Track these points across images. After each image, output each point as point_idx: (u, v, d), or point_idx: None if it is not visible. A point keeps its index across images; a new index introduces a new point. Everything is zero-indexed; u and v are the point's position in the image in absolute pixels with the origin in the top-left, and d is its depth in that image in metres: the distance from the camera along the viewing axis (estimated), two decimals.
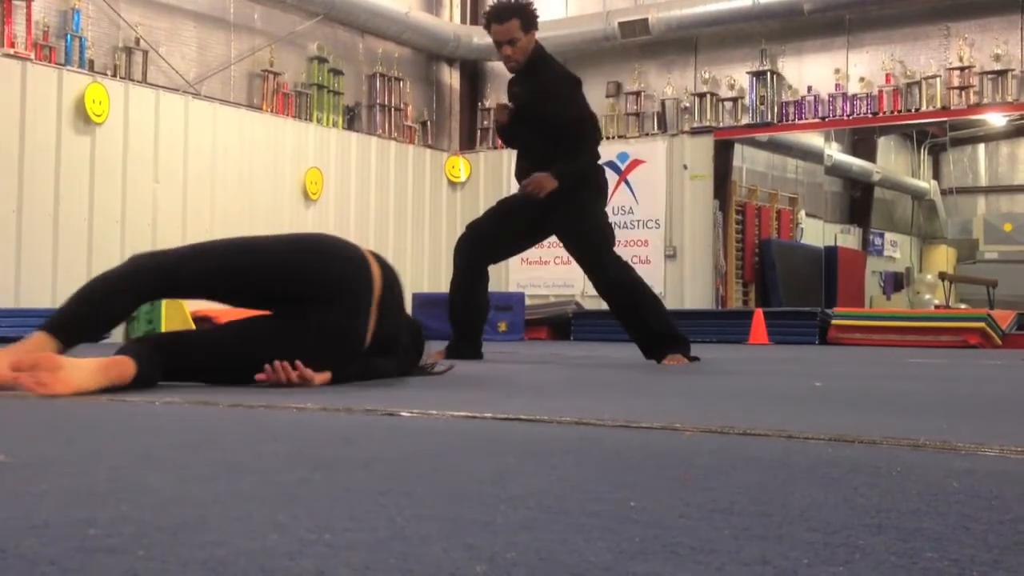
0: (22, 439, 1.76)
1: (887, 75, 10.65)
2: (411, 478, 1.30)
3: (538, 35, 5.17)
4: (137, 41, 9.43)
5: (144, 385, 2.74)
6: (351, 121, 11.59)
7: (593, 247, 5.00)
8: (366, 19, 11.45)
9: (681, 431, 1.84)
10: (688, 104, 11.59)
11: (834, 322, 9.36)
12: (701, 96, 11.48)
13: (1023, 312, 9.48)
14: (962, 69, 10.29)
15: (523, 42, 5.03)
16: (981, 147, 13.25)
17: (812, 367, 5.06)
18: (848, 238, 13.23)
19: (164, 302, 7.25)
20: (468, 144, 12.99)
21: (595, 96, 11.37)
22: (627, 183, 11.68)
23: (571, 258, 5.20)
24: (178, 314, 7.61)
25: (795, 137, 11.99)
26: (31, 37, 8.55)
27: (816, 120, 11.05)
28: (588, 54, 11.96)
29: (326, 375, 3.01)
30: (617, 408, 2.48)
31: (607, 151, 10.86)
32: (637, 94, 11.88)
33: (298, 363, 2.89)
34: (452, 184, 12.62)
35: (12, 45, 8.36)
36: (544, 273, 11.77)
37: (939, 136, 12.94)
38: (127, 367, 2.67)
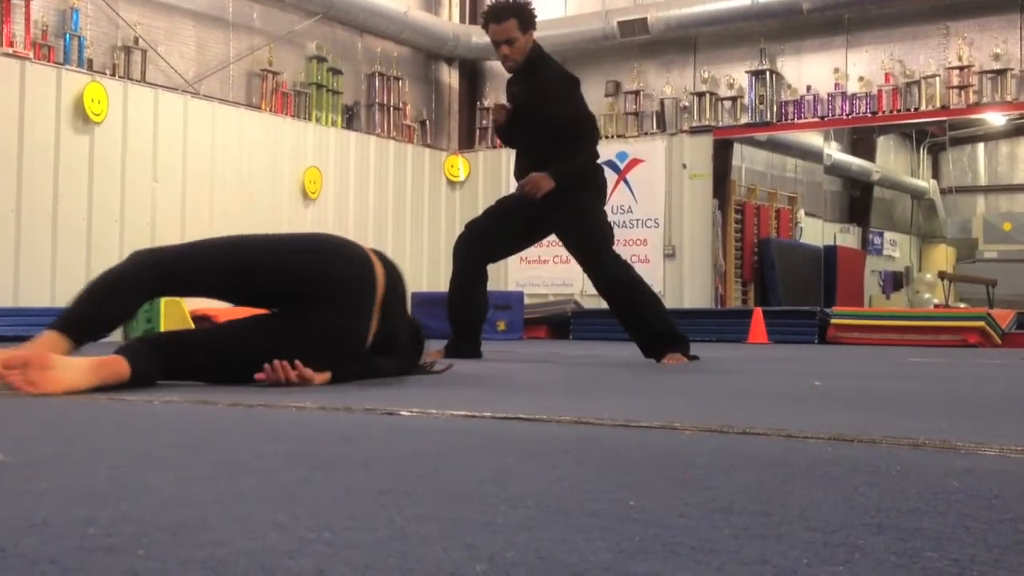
0: (22, 439, 1.76)
1: (886, 74, 10.65)
2: (411, 478, 1.30)
3: (537, 34, 5.17)
4: (136, 40, 9.43)
5: (142, 384, 2.73)
6: (350, 120, 11.59)
7: (592, 246, 5.00)
8: (365, 18, 11.45)
9: (680, 430, 1.84)
10: (687, 103, 11.59)
11: (833, 321, 9.36)
12: (700, 95, 11.48)
13: (1022, 311, 9.48)
14: (961, 68, 10.29)
15: (521, 42, 5.03)
16: (980, 146, 13.25)
17: (811, 366, 5.06)
18: (847, 237, 13.22)
19: (163, 301, 7.25)
20: (467, 143, 12.98)
21: (594, 95, 11.39)
22: (626, 182, 11.67)
23: (570, 257, 5.20)
24: (177, 313, 7.60)
25: (794, 136, 11.98)
26: (30, 36, 8.54)
27: (815, 119, 11.05)
28: (587, 53, 11.96)
29: (326, 375, 3.00)
30: (616, 407, 2.48)
31: (606, 150, 10.85)
32: (636, 93, 11.88)
33: (297, 363, 2.89)
34: (451, 183, 12.62)
35: (11, 44, 8.35)
36: (543, 272, 11.77)
37: (938, 135, 12.94)
38: (120, 366, 2.67)
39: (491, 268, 5.35)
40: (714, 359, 5.28)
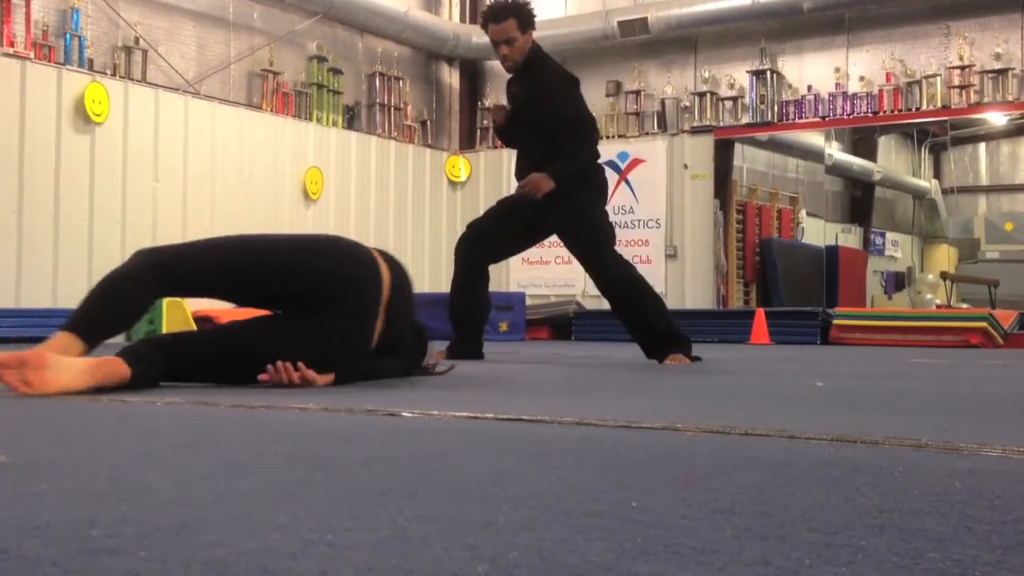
0: (22, 439, 1.76)
1: (887, 74, 10.65)
2: (412, 478, 1.30)
3: (537, 34, 5.17)
4: (136, 40, 9.43)
5: (143, 386, 2.73)
6: (351, 120, 11.59)
7: (593, 246, 5.00)
8: (365, 18, 11.45)
9: (682, 431, 1.84)
10: (688, 103, 11.59)
11: (835, 322, 9.36)
12: (701, 95, 11.48)
13: None
14: (962, 68, 10.28)
15: (520, 42, 5.03)
16: (982, 146, 13.25)
17: (813, 367, 5.06)
18: (849, 237, 13.22)
19: (165, 302, 7.25)
20: (468, 143, 12.98)
21: (595, 95, 11.40)
22: (627, 183, 11.67)
23: (572, 258, 5.20)
24: (179, 314, 7.61)
25: (795, 136, 11.98)
26: (30, 36, 8.54)
27: (816, 119, 11.05)
28: (587, 53, 11.96)
29: (329, 377, 3.00)
30: (618, 408, 2.47)
31: (607, 151, 10.86)
32: (637, 93, 11.88)
33: (300, 364, 2.88)
34: (452, 184, 12.62)
35: (11, 44, 8.35)
36: (545, 273, 11.77)
37: (940, 135, 12.94)
38: (118, 367, 2.66)
39: (493, 269, 5.34)
40: (716, 360, 5.27)
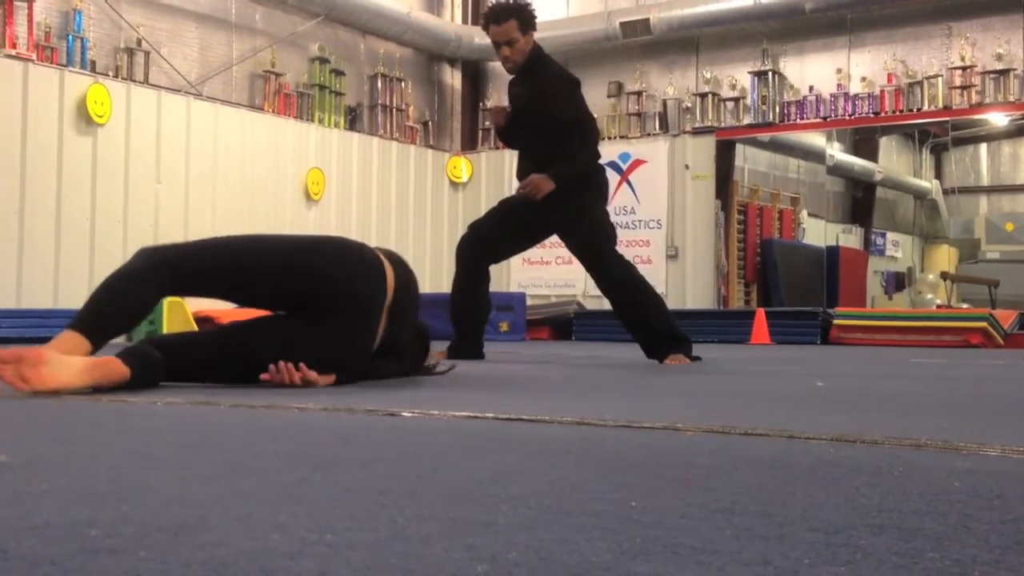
0: (22, 439, 1.76)
1: (889, 75, 10.64)
2: (412, 478, 1.30)
3: (539, 35, 5.17)
4: (139, 42, 9.44)
5: (142, 386, 2.73)
6: (352, 121, 11.59)
7: (594, 246, 5.00)
8: (367, 19, 11.45)
9: (682, 431, 1.84)
10: (690, 104, 11.59)
11: (836, 322, 9.35)
12: (703, 96, 11.48)
13: None
14: (964, 69, 10.28)
15: (521, 43, 5.03)
16: (983, 147, 13.25)
17: (814, 367, 5.05)
18: (850, 238, 13.22)
19: (165, 302, 7.25)
20: (470, 144, 12.99)
21: (597, 96, 11.40)
22: (629, 183, 11.67)
23: (573, 258, 5.20)
24: (179, 314, 7.61)
25: (797, 137, 11.98)
26: (33, 38, 8.55)
27: (818, 120, 11.05)
28: (589, 54, 11.96)
29: (330, 378, 3.00)
30: (618, 408, 2.47)
31: (609, 151, 10.88)
32: (639, 94, 11.88)
33: (301, 365, 2.88)
34: (454, 184, 12.62)
35: (14, 46, 8.36)
36: (545, 273, 11.77)
37: (941, 136, 12.93)
38: (117, 367, 2.66)
39: (493, 269, 5.35)
40: (716, 360, 5.27)
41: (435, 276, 11.77)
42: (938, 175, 13.67)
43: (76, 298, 7.92)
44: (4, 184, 8.22)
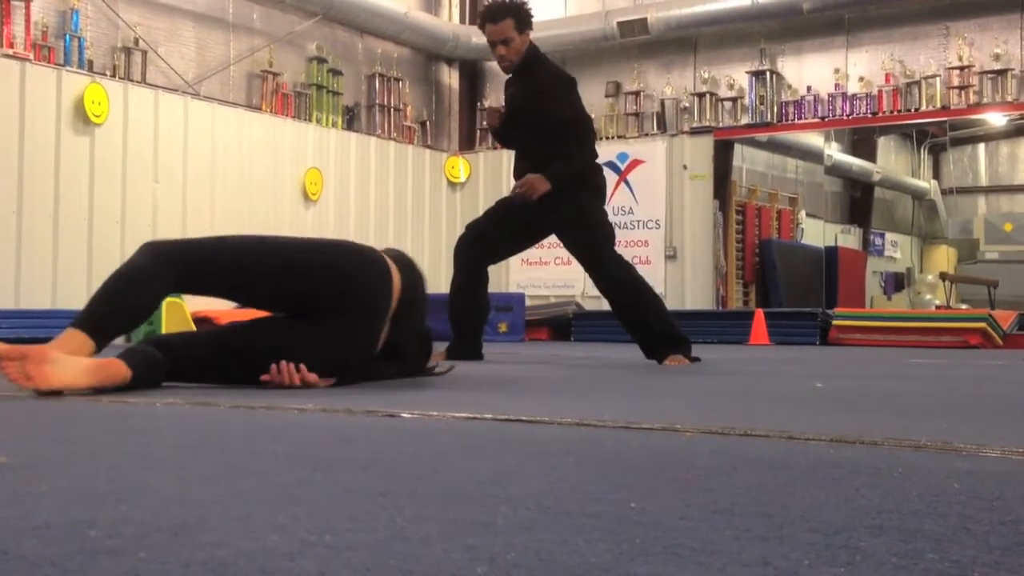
0: (22, 439, 1.76)
1: (887, 75, 10.65)
2: (411, 479, 1.30)
3: (537, 35, 5.17)
4: (136, 41, 9.43)
5: (144, 386, 2.73)
6: (350, 121, 11.59)
7: (593, 246, 5.00)
8: (365, 19, 11.45)
9: (682, 432, 1.84)
10: (687, 104, 11.59)
11: (835, 322, 9.36)
12: (700, 96, 11.48)
13: (1023, 312, 9.47)
14: (962, 69, 10.29)
15: (517, 42, 5.03)
16: (981, 147, 13.26)
17: (813, 368, 5.06)
18: (848, 238, 13.22)
19: (164, 302, 7.24)
20: (467, 144, 12.99)
21: (594, 96, 11.40)
22: (627, 183, 11.67)
23: (572, 258, 5.20)
24: (179, 315, 7.60)
25: (795, 137, 11.98)
26: (30, 37, 8.54)
27: (816, 120, 11.05)
28: (587, 54, 11.96)
29: (329, 381, 3.00)
30: (617, 409, 2.47)
31: (607, 151, 10.87)
32: (636, 94, 11.88)
33: (302, 367, 2.88)
34: (451, 184, 12.62)
35: (11, 45, 8.36)
36: (544, 274, 11.77)
37: (939, 136, 12.94)
38: (119, 369, 2.66)
39: (492, 270, 5.34)
40: (715, 360, 5.27)
41: (433, 276, 11.70)
42: (936, 175, 13.68)
43: (74, 298, 7.92)
44: (2, 184, 8.21)
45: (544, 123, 4.99)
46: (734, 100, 11.38)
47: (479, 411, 2.19)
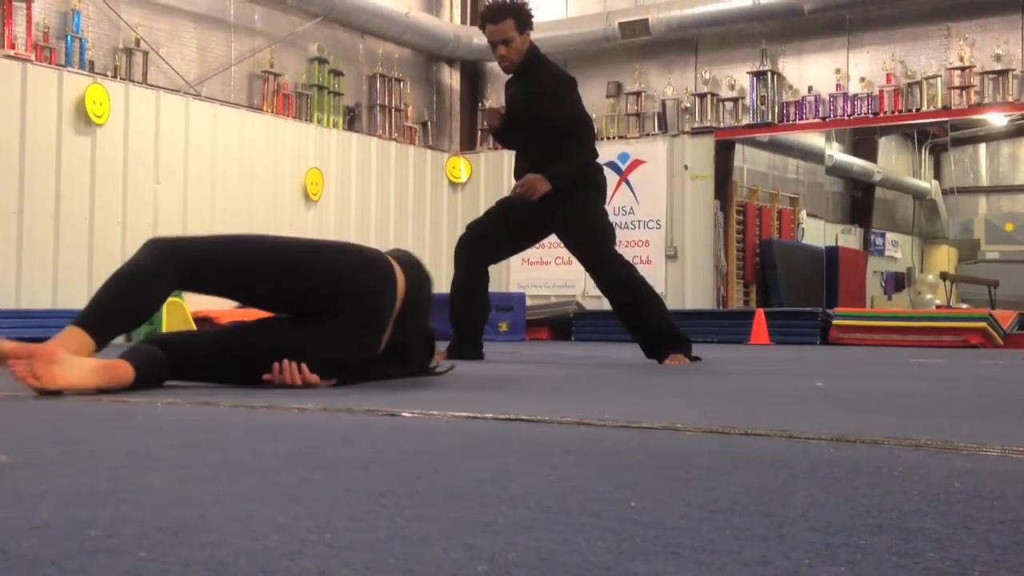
0: (22, 439, 1.76)
1: (888, 75, 10.65)
2: (412, 478, 1.30)
3: (539, 36, 5.18)
4: (137, 42, 9.43)
5: (147, 386, 2.73)
6: (351, 122, 11.59)
7: (594, 246, 5.00)
8: (366, 20, 11.45)
9: (682, 431, 1.84)
10: (689, 104, 11.59)
11: (835, 322, 9.35)
12: (702, 96, 11.48)
13: None
14: (963, 69, 10.28)
15: (518, 42, 5.03)
16: (982, 147, 13.25)
17: (813, 367, 5.06)
18: (849, 238, 13.22)
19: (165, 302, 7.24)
20: (468, 145, 12.99)
21: (595, 96, 11.40)
22: (628, 183, 11.67)
23: (572, 258, 5.20)
24: (179, 314, 7.60)
25: (796, 137, 11.98)
26: (31, 38, 8.55)
27: (817, 120, 11.05)
28: (588, 54, 11.96)
29: (331, 382, 3.00)
30: (618, 408, 2.47)
31: (608, 151, 10.88)
32: (637, 94, 11.88)
33: (303, 368, 2.88)
34: (453, 185, 12.62)
35: (12, 46, 8.36)
36: (545, 273, 11.77)
37: (940, 136, 12.94)
38: (124, 371, 2.66)
39: (493, 269, 5.34)
40: (716, 360, 5.27)
41: (434, 276, 11.64)
42: (937, 175, 13.68)
43: (75, 298, 7.92)
44: (3, 184, 8.21)
45: (544, 123, 4.99)
46: (735, 100, 11.38)
47: (479, 410, 2.19)
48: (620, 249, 5.20)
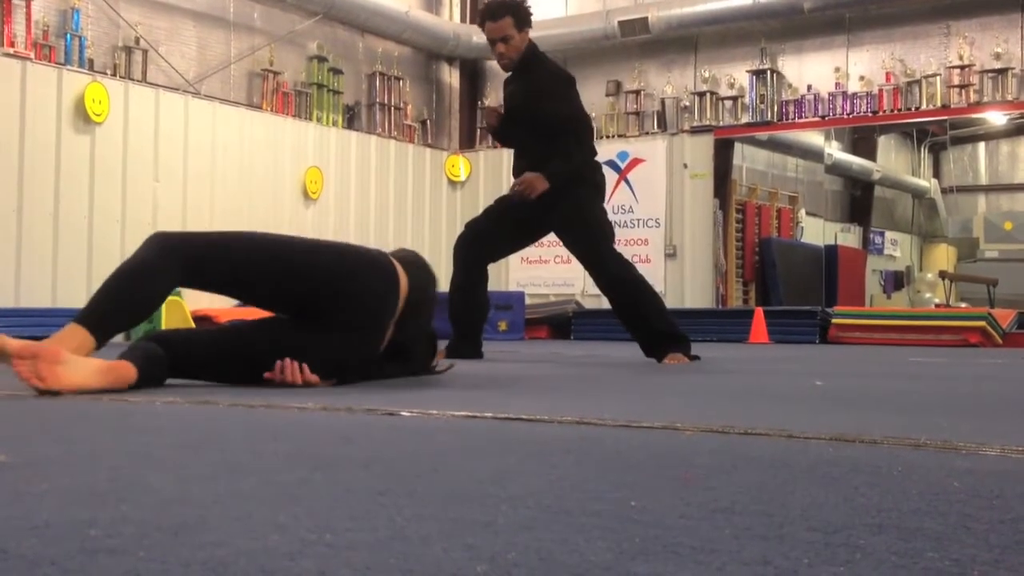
0: (22, 439, 1.76)
1: (887, 74, 10.65)
2: (411, 478, 1.30)
3: (538, 34, 5.18)
4: (137, 40, 9.43)
5: (149, 385, 2.74)
6: (351, 120, 11.59)
7: (592, 244, 5.00)
8: (366, 18, 11.45)
9: (681, 431, 1.84)
10: (688, 103, 11.59)
11: (834, 321, 9.35)
12: (701, 95, 11.48)
13: (1023, 311, 9.47)
14: (962, 67, 10.28)
15: (516, 40, 5.03)
16: (981, 145, 13.26)
17: (812, 366, 5.06)
18: (848, 237, 13.22)
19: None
20: (468, 143, 12.99)
21: (595, 95, 11.40)
22: (627, 182, 11.67)
23: (571, 257, 5.20)
24: (178, 314, 7.61)
25: (795, 136, 11.98)
26: (31, 36, 8.54)
27: (816, 119, 11.04)
28: (588, 53, 11.96)
29: (331, 382, 3.00)
30: (617, 408, 2.48)
31: (607, 150, 10.88)
32: (637, 93, 11.88)
33: (304, 367, 2.88)
34: (452, 183, 12.62)
35: (12, 44, 8.35)
36: (544, 272, 11.77)
37: (939, 135, 12.94)
38: (127, 371, 2.66)
39: (492, 268, 5.35)
40: (715, 359, 5.28)
41: None
42: (936, 174, 13.68)
43: (74, 297, 7.92)
44: (2, 183, 8.21)
45: (543, 121, 4.99)
46: (734, 99, 11.38)
47: (479, 410, 2.19)
48: (619, 248, 5.20)
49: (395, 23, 11.76)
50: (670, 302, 8.92)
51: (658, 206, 11.53)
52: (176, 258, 2.89)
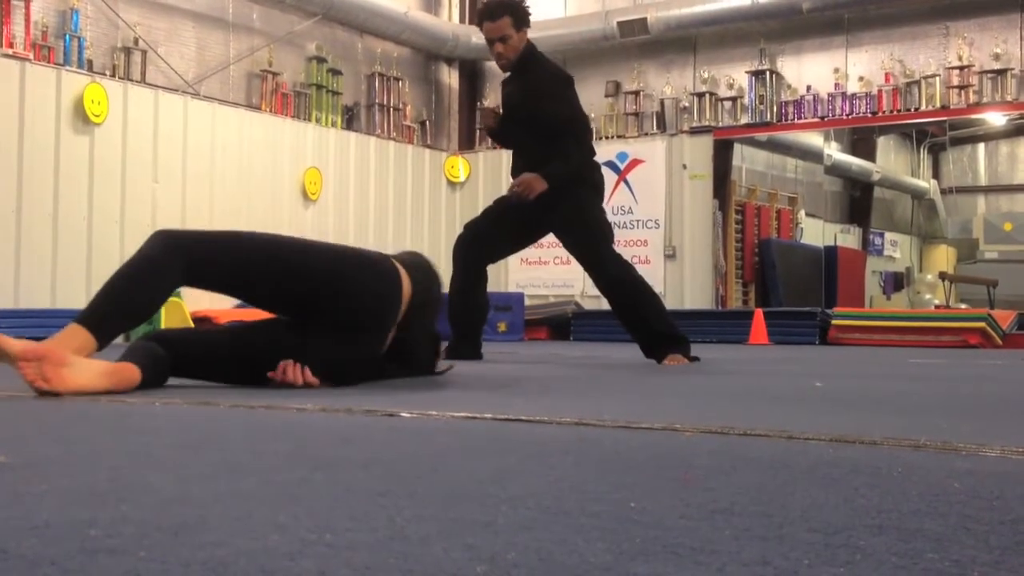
0: (22, 439, 1.76)
1: (886, 74, 10.65)
2: (411, 478, 1.30)
3: (537, 34, 5.18)
4: (136, 41, 9.43)
5: (152, 386, 2.74)
6: (350, 121, 11.59)
7: (592, 245, 5.00)
8: (365, 19, 11.45)
9: (681, 431, 1.84)
10: (687, 104, 11.59)
11: (834, 322, 9.36)
12: (700, 96, 11.48)
13: (1023, 312, 9.48)
14: (961, 68, 10.29)
15: (515, 40, 5.03)
16: (981, 146, 13.26)
17: (812, 367, 5.06)
18: (848, 238, 13.22)
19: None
20: (467, 144, 12.99)
21: (594, 96, 11.41)
22: (626, 183, 11.67)
23: (571, 258, 5.20)
24: (178, 314, 7.61)
25: (794, 137, 11.98)
26: (30, 37, 8.54)
27: (815, 119, 11.05)
28: (587, 54, 11.96)
29: (332, 383, 2.99)
30: (617, 408, 2.48)
31: (606, 151, 10.88)
32: (636, 94, 11.88)
33: (306, 369, 2.88)
34: (451, 184, 12.62)
35: (11, 45, 8.35)
36: (544, 273, 11.77)
37: (939, 135, 12.94)
38: (131, 373, 2.66)
39: (491, 269, 5.34)
40: (715, 360, 5.28)
41: None
42: (936, 175, 13.68)
43: (74, 298, 7.92)
44: (1, 184, 8.21)
45: (541, 121, 4.99)
46: (734, 100, 11.38)
47: (478, 411, 2.19)
48: (619, 249, 5.20)
49: (394, 24, 11.76)
50: (670, 303, 8.91)
51: (657, 207, 11.53)
52: (180, 255, 2.87)
